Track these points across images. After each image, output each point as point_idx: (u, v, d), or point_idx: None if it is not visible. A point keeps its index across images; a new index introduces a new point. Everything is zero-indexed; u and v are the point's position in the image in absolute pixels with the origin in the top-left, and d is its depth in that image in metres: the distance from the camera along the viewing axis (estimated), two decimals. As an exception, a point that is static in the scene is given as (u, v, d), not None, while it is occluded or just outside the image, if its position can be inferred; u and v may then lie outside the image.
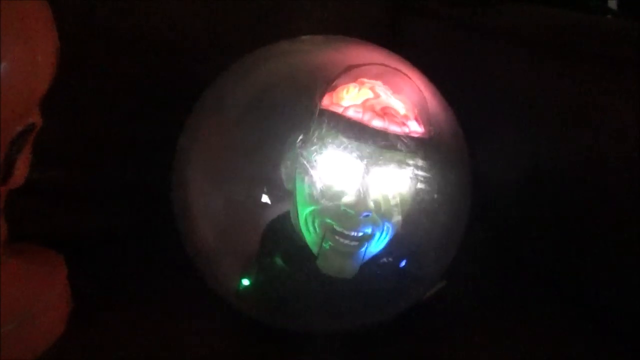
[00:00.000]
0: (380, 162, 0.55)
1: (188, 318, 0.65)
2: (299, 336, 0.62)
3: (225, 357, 0.61)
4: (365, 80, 0.58)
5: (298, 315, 0.60)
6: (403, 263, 0.60)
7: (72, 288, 0.66)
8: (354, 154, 0.54)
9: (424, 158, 0.57)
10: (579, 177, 0.67)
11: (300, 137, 0.55)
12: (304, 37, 0.65)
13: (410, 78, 0.61)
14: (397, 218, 0.57)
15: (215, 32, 0.79)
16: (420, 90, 0.60)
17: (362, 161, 0.54)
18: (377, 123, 0.54)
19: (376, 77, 0.58)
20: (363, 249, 0.56)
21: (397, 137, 0.55)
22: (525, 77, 0.76)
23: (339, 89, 0.57)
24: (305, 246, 0.57)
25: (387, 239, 0.57)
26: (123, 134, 0.78)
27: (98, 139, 0.77)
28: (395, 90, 0.58)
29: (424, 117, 0.58)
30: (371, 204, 0.55)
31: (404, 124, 0.56)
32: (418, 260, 0.61)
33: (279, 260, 0.59)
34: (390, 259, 0.59)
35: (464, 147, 0.64)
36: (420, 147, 0.56)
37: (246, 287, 0.59)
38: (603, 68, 0.66)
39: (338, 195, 0.54)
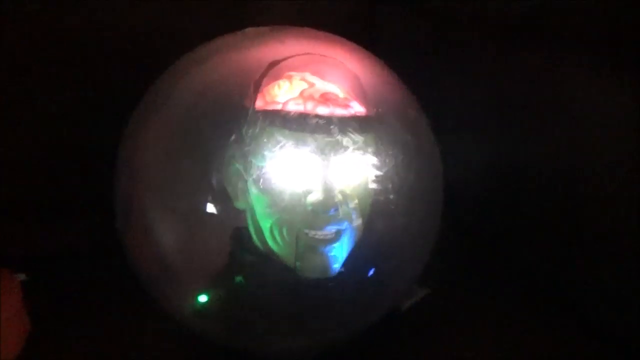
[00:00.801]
0: (337, 150, 0.51)
1: (142, 342, 0.63)
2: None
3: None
4: (293, 73, 0.54)
5: (262, 333, 0.56)
6: (371, 272, 0.56)
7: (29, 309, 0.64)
8: (308, 148, 0.50)
9: (376, 139, 0.53)
10: (558, 169, 0.63)
11: (239, 150, 0.51)
12: (248, 30, 0.60)
13: (342, 63, 0.57)
14: (363, 207, 0.53)
15: (175, 28, 0.76)
16: (354, 74, 0.56)
17: (319, 154, 0.50)
18: (322, 110, 0.51)
19: (302, 67, 0.54)
20: (341, 242, 0.52)
21: (347, 119, 0.51)
22: (500, 66, 0.71)
23: (269, 87, 0.53)
24: (272, 258, 0.53)
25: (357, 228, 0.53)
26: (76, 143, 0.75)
27: (52, 152, 0.74)
28: (328, 77, 0.54)
29: (364, 97, 0.54)
30: (339, 196, 0.51)
31: (348, 106, 0.53)
32: (386, 267, 0.56)
33: (240, 276, 0.55)
34: (356, 268, 0.55)
35: (426, 132, 0.59)
36: (369, 127, 0.53)
37: (203, 304, 0.56)
38: (578, 53, 0.62)
39: (302, 196, 0.51)
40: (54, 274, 0.71)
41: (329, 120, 0.51)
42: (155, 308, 0.58)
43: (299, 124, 0.50)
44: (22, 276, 0.68)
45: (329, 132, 0.50)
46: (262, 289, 0.54)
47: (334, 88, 0.54)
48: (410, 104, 0.60)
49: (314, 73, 0.54)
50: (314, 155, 0.50)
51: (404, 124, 0.56)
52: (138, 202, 0.55)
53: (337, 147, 0.51)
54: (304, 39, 0.59)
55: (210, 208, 0.52)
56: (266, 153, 0.50)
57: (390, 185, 0.53)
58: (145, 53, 0.75)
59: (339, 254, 0.52)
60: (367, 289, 0.56)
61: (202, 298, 0.56)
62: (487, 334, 0.64)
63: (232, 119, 0.51)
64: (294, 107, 0.51)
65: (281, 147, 0.50)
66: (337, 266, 0.52)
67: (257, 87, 0.52)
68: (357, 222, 0.53)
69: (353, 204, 0.52)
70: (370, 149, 0.52)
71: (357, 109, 0.53)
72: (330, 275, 0.52)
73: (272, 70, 0.54)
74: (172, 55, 0.60)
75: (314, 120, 0.50)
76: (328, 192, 0.50)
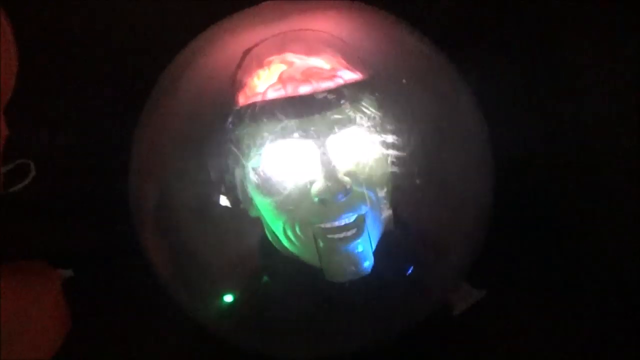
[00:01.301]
0: (332, 127, 0.45)
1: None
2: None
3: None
4: (273, 58, 0.49)
5: (290, 339, 0.52)
6: (409, 270, 0.50)
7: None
8: (298, 134, 0.45)
9: (378, 105, 0.46)
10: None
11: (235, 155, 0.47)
12: (224, 21, 0.55)
13: (323, 32, 0.51)
14: (381, 184, 0.47)
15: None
16: (341, 41, 0.50)
17: (311, 137, 0.45)
18: (304, 89, 0.45)
19: (284, 47, 0.49)
20: (365, 234, 0.46)
21: (335, 90, 0.45)
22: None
23: (248, 80, 0.48)
24: (296, 262, 0.48)
25: (382, 216, 0.47)
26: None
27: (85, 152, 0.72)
28: (312, 52, 0.49)
29: (359, 63, 0.48)
30: (346, 179, 0.45)
31: (335, 76, 0.46)
32: (426, 263, 0.50)
33: (265, 281, 0.51)
34: (392, 266, 0.49)
35: (459, 97, 0.52)
36: (366, 92, 0.46)
37: (228, 304, 0.52)
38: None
39: (305, 188, 0.45)
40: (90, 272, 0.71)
41: (315, 96, 0.45)
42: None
43: (281, 111, 0.45)
44: (68, 273, 0.68)
45: (317, 110, 0.45)
46: (288, 295, 0.50)
47: (319, 62, 0.48)
48: (426, 64, 0.52)
49: (296, 52, 0.48)
50: (306, 141, 0.45)
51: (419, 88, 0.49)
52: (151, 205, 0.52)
53: (331, 124, 0.45)
54: (279, 16, 0.52)
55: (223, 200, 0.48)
56: (257, 152, 0.46)
57: (411, 159, 0.46)
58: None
59: (366, 248, 0.46)
60: (403, 290, 0.50)
61: (228, 298, 0.52)
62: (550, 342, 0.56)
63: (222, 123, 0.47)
64: (273, 94, 0.45)
65: (270, 141, 0.45)
66: (368, 264, 0.46)
67: (234, 82, 0.48)
68: (378, 203, 0.46)
69: (367, 183, 0.46)
70: (372, 117, 0.46)
71: (349, 76, 0.47)
72: (362, 275, 0.46)
73: (249, 60, 0.48)
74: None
75: (298, 102, 0.45)
76: (331, 175, 0.44)
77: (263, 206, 0.47)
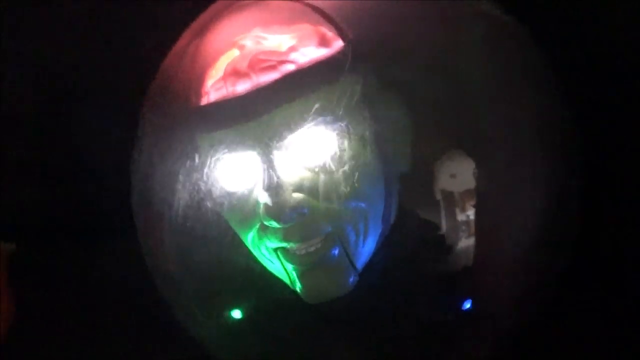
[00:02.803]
0: (277, 130, 0.38)
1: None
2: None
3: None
4: (236, 38, 0.41)
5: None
6: (468, 304, 0.40)
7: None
8: (241, 145, 0.38)
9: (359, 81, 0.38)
10: None
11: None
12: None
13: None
14: (365, 189, 0.38)
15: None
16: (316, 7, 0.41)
17: (252, 147, 0.38)
18: (242, 86, 0.38)
19: (249, 27, 0.41)
20: (335, 250, 0.39)
21: (283, 80, 0.38)
22: None
23: (209, 71, 0.41)
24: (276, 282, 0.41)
25: (376, 222, 0.39)
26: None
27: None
28: (279, 24, 0.41)
29: (334, 30, 0.40)
30: (296, 197, 0.38)
31: (285, 62, 0.38)
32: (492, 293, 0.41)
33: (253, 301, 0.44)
34: (446, 299, 0.40)
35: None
36: (337, 67, 0.38)
37: (237, 320, 0.43)
38: None
39: (253, 211, 0.39)
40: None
41: (253, 95, 0.38)
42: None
43: (221, 116, 0.39)
44: (10, 247, 0.60)
45: (255, 114, 0.38)
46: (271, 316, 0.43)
47: (279, 39, 0.40)
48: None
49: (264, 25, 0.41)
50: (249, 152, 0.38)
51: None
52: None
53: (278, 128, 0.37)
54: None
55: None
56: (207, 166, 0.39)
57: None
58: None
59: (341, 262, 0.39)
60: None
61: (236, 314, 0.44)
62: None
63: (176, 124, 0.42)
64: (215, 95, 0.39)
65: (215, 155, 0.39)
66: (348, 280, 0.39)
67: (193, 78, 0.41)
68: (355, 217, 0.38)
69: (331, 195, 0.38)
70: (331, 111, 0.37)
71: (310, 54, 0.39)
72: (342, 294, 0.39)
73: (211, 44, 0.42)
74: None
75: (235, 104, 0.38)
76: (278, 194, 0.37)
77: (231, 222, 0.40)
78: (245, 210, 0.39)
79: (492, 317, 0.41)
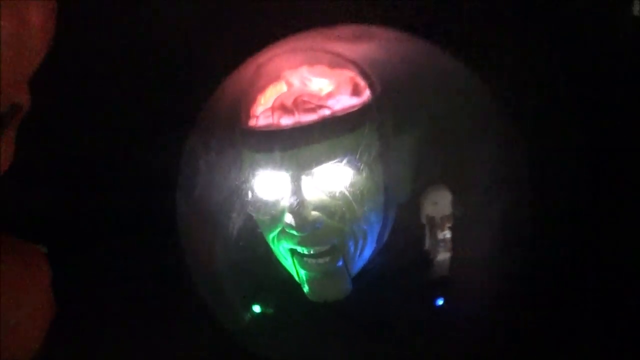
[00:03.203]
0: (308, 161, 0.47)
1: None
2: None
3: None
4: (286, 73, 0.51)
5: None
6: (440, 301, 0.52)
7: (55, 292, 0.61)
8: (277, 166, 0.48)
9: (379, 128, 0.49)
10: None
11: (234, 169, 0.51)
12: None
13: (338, 54, 0.52)
14: (370, 216, 0.49)
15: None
16: (354, 60, 0.51)
17: (286, 171, 0.48)
18: (286, 120, 0.47)
19: (298, 64, 0.51)
20: (340, 262, 0.49)
21: (316, 125, 0.47)
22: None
23: (259, 97, 0.51)
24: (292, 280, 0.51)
25: (372, 241, 0.50)
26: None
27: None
28: (322, 70, 0.51)
29: (366, 82, 0.50)
30: (314, 215, 0.48)
31: (322, 107, 0.48)
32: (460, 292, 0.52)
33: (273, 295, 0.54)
34: (420, 296, 0.51)
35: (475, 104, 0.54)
36: (359, 119, 0.48)
37: (258, 314, 0.54)
38: None
39: (279, 218, 0.49)
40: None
41: (296, 129, 0.47)
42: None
43: (266, 142, 0.48)
44: (43, 248, 0.64)
45: (293, 146, 0.47)
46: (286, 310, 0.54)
47: (321, 82, 0.50)
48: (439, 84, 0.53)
49: (313, 65, 0.50)
50: (283, 173, 0.48)
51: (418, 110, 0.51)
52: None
53: (309, 158, 0.47)
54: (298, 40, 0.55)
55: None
56: (250, 177, 0.49)
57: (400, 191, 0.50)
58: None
59: (341, 274, 0.49)
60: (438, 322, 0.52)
61: (256, 308, 0.54)
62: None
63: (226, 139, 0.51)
64: (263, 121, 0.48)
65: (256, 167, 0.49)
66: (345, 289, 0.50)
67: (246, 97, 0.50)
68: (357, 234, 0.49)
69: (342, 216, 0.48)
70: (349, 153, 0.47)
71: (344, 102, 0.48)
72: (338, 299, 0.50)
73: (263, 75, 0.51)
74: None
75: (279, 135, 0.47)
76: (301, 210, 0.47)
77: (262, 225, 0.50)
78: (273, 216, 0.48)
79: (463, 313, 0.52)
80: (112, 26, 0.66)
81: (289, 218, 0.47)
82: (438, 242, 0.49)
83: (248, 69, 0.54)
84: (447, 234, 0.49)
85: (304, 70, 0.50)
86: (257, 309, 0.53)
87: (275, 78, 0.50)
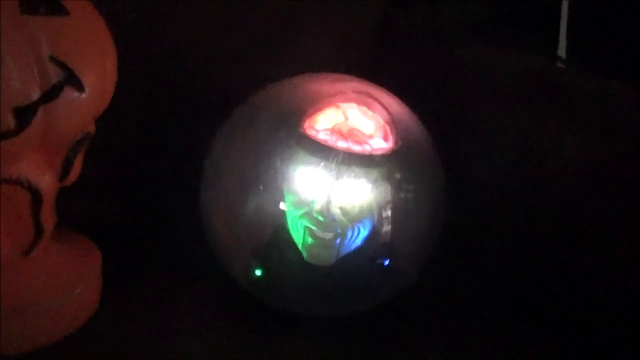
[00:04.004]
0: (344, 175, 0.67)
1: (203, 297, 0.80)
2: (294, 316, 0.76)
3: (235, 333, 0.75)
4: (341, 104, 0.72)
5: (295, 300, 0.75)
6: (387, 262, 0.74)
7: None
8: (322, 170, 0.67)
9: (392, 170, 0.70)
10: (530, 200, 0.83)
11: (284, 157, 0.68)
12: (309, 75, 0.78)
13: (379, 102, 0.74)
14: (366, 221, 0.69)
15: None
16: (388, 112, 0.73)
17: (328, 175, 0.67)
18: (341, 144, 0.68)
19: (351, 100, 0.72)
20: (337, 242, 0.68)
21: (356, 156, 0.68)
22: (488, 110, 0.91)
23: (317, 114, 0.70)
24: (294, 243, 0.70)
25: (362, 237, 0.70)
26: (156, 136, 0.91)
27: (132, 140, 0.89)
28: (366, 113, 0.72)
29: (392, 133, 0.71)
30: (336, 211, 0.68)
31: (365, 143, 0.69)
32: (398, 260, 0.74)
33: (279, 256, 0.72)
34: (376, 258, 0.73)
35: (437, 160, 0.77)
36: (385, 161, 0.69)
37: (258, 276, 0.73)
38: (556, 110, 0.82)
39: (311, 204, 0.68)
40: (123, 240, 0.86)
41: (342, 153, 0.67)
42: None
43: (321, 151, 0.67)
44: None
45: (342, 162, 0.67)
46: (288, 267, 0.72)
47: (366, 123, 0.71)
48: (428, 142, 0.78)
49: (360, 104, 0.72)
50: (325, 176, 0.67)
51: (424, 159, 0.76)
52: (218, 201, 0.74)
53: (343, 174, 0.67)
54: (347, 81, 0.77)
55: (282, 205, 0.69)
56: (296, 166, 0.68)
57: (388, 206, 0.71)
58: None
59: (335, 249, 0.69)
60: (384, 275, 0.75)
61: (258, 272, 0.73)
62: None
63: (286, 136, 0.69)
64: (322, 137, 0.68)
65: (306, 164, 0.68)
66: (333, 259, 0.69)
67: (308, 113, 0.70)
68: (355, 229, 0.69)
69: (350, 217, 0.68)
70: (371, 180, 0.69)
71: (378, 145, 0.70)
72: (328, 264, 0.69)
73: (328, 99, 0.72)
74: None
75: (332, 151, 0.67)
76: (329, 205, 0.67)
77: (287, 199, 0.69)
78: (304, 199, 0.67)
79: (400, 269, 0.75)
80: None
81: (319, 206, 0.66)
82: (383, 219, 0.70)
83: (302, 87, 0.73)
84: (389, 213, 0.71)
85: (355, 108, 0.71)
86: (261, 269, 0.72)
87: (331, 104, 0.70)
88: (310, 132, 0.69)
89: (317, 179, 0.68)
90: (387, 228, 0.71)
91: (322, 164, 0.67)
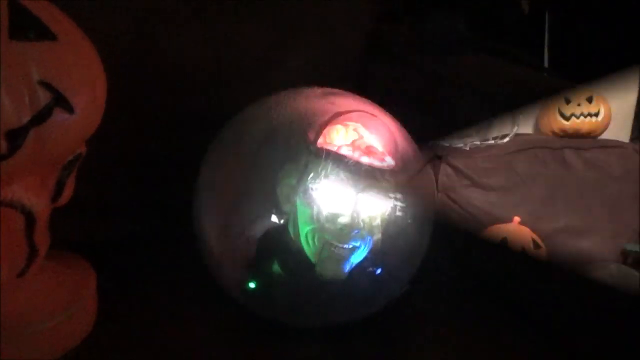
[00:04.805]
0: (368, 190, 0.69)
1: (199, 316, 0.80)
2: (290, 328, 0.76)
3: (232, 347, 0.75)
4: (348, 122, 0.73)
5: (293, 311, 0.75)
6: (379, 271, 0.75)
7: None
8: (349, 185, 0.69)
9: (397, 185, 0.72)
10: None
11: (296, 170, 0.69)
12: (302, 89, 0.79)
13: (382, 122, 0.76)
14: (378, 234, 0.71)
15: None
16: (391, 131, 0.75)
17: (354, 190, 0.69)
18: (364, 160, 0.70)
19: (356, 120, 0.73)
20: (351, 257, 0.70)
21: (380, 170, 0.70)
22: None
23: (328, 130, 0.71)
24: (304, 256, 0.71)
25: (367, 250, 0.71)
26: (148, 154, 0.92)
27: (124, 158, 0.90)
28: (372, 131, 0.74)
29: (394, 151, 0.73)
30: (361, 223, 0.69)
31: (383, 159, 0.71)
32: (389, 269, 0.76)
33: (277, 268, 0.73)
34: (369, 268, 0.74)
35: (431, 179, 0.79)
36: (394, 176, 0.71)
37: (252, 289, 0.73)
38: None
39: (336, 217, 0.69)
40: (118, 260, 0.87)
41: (366, 167, 0.70)
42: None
43: (345, 165, 0.69)
44: None
45: (364, 176, 0.69)
46: (297, 279, 0.73)
47: (376, 141, 0.73)
48: (419, 156, 0.80)
49: (364, 126, 0.73)
50: (350, 189, 0.69)
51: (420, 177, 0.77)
52: (210, 211, 0.75)
53: (367, 187, 0.69)
54: (348, 98, 0.79)
55: (274, 217, 0.70)
56: (318, 178, 0.69)
57: (398, 217, 0.73)
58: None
59: (348, 264, 0.71)
60: (376, 283, 0.76)
61: (252, 284, 0.74)
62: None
63: (294, 146, 0.70)
64: (345, 152, 0.70)
65: (329, 177, 0.69)
66: (345, 273, 0.71)
67: (321, 128, 0.71)
68: (371, 241, 0.71)
69: (370, 229, 0.70)
70: (389, 193, 0.71)
71: (389, 162, 0.72)
72: (340, 279, 0.71)
73: (336, 117, 0.73)
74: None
75: (357, 166, 0.69)
76: (355, 218, 0.69)
77: (302, 212, 0.69)
78: (323, 213, 0.68)
79: (392, 276, 0.76)
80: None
81: (345, 219, 0.68)
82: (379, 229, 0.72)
83: (301, 101, 0.75)
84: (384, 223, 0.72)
85: (367, 127, 0.73)
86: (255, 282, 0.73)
87: (346, 120, 0.72)
88: (331, 147, 0.70)
89: (341, 193, 0.69)
90: (378, 237, 0.72)
91: (345, 177, 0.68)
